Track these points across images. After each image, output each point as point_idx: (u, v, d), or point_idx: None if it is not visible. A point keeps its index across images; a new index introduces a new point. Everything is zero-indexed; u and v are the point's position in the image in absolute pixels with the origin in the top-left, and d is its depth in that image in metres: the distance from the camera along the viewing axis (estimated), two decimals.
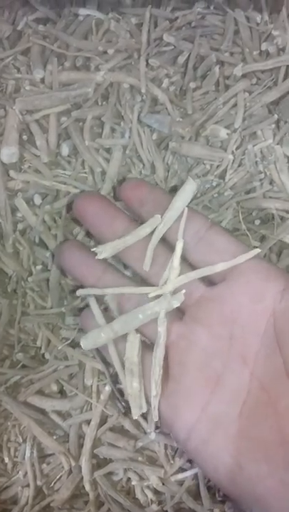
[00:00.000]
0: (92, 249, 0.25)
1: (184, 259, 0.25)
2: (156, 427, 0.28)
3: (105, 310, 0.26)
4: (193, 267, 0.25)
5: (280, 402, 0.22)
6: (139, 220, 0.26)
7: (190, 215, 0.25)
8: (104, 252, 0.25)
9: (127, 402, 0.28)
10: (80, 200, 0.26)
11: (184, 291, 0.24)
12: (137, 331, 0.25)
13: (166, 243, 0.26)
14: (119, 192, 0.26)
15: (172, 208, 0.25)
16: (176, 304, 0.24)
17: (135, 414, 0.25)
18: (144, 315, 0.24)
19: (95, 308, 0.25)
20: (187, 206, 0.25)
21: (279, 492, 0.20)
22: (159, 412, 0.24)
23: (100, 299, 0.26)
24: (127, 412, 0.28)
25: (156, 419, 0.24)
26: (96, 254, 0.25)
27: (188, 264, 0.25)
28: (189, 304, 0.25)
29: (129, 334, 0.25)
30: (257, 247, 0.24)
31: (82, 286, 0.27)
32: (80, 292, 0.26)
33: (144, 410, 0.24)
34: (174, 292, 0.25)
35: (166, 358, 0.24)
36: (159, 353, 0.24)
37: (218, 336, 0.24)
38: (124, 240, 0.25)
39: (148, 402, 0.24)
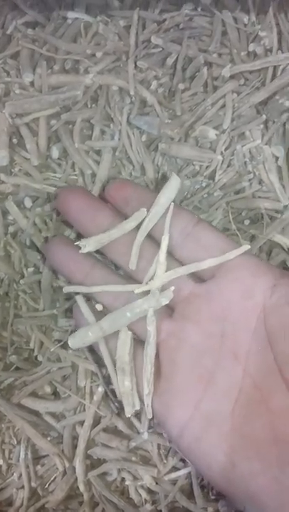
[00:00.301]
0: (75, 243, 0.25)
1: (171, 255, 0.25)
2: (150, 427, 0.28)
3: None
4: (181, 264, 0.25)
5: (273, 400, 0.22)
6: (124, 217, 0.26)
7: (176, 212, 0.25)
8: (88, 245, 0.25)
9: (120, 402, 0.29)
10: (63, 194, 0.26)
11: (172, 288, 0.24)
12: (128, 328, 0.25)
13: (153, 240, 0.26)
14: (105, 193, 0.26)
15: (157, 204, 0.25)
16: (164, 302, 0.24)
17: (128, 412, 0.25)
18: (133, 313, 0.24)
19: (83, 305, 0.25)
20: (173, 202, 0.25)
21: (272, 490, 0.21)
22: (152, 410, 0.24)
23: (88, 296, 0.26)
24: (120, 412, 0.29)
25: (150, 416, 0.24)
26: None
27: (175, 260, 0.25)
28: (178, 301, 0.25)
29: (121, 332, 0.25)
30: None
31: (70, 284, 0.27)
32: (66, 289, 0.26)
33: (137, 408, 0.25)
34: (162, 288, 0.25)
35: (157, 356, 0.24)
36: (150, 351, 0.24)
37: (208, 334, 0.24)
38: (108, 233, 0.25)
39: (141, 400, 0.25)
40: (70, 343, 0.25)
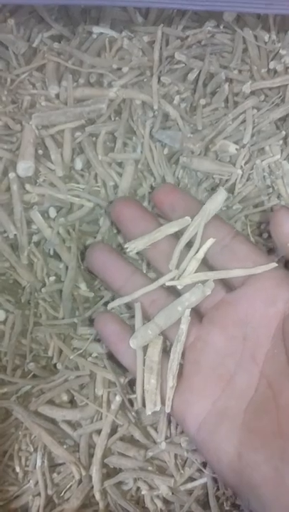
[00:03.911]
0: (125, 245, 0.28)
1: (206, 263, 0.28)
2: (166, 437, 0.30)
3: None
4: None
5: (282, 397, 0.24)
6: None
7: (217, 224, 0.28)
8: (136, 247, 0.27)
9: (137, 412, 0.30)
10: (119, 204, 0.29)
11: (212, 280, 0.27)
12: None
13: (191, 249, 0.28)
14: (152, 196, 0.29)
15: (202, 214, 0.27)
16: (208, 292, 0.27)
17: (149, 409, 0.27)
18: (183, 306, 0.27)
19: (139, 313, 0.28)
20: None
21: (273, 480, 0.23)
22: (171, 408, 0.26)
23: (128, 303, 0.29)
24: (137, 422, 0.30)
25: (168, 411, 0.26)
26: (125, 255, 0.28)
27: (207, 267, 0.28)
28: (209, 308, 0.27)
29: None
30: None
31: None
32: (111, 305, 0.29)
33: (158, 408, 0.26)
34: (190, 287, 0.27)
35: (182, 358, 0.27)
36: (178, 348, 0.26)
37: (232, 337, 0.26)
38: (152, 235, 0.28)
39: (162, 401, 0.27)
40: (132, 343, 0.27)
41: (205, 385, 0.26)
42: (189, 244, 0.28)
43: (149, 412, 0.27)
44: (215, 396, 0.25)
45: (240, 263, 0.27)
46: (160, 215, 0.30)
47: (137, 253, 0.29)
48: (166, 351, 0.28)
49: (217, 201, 0.28)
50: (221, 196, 0.28)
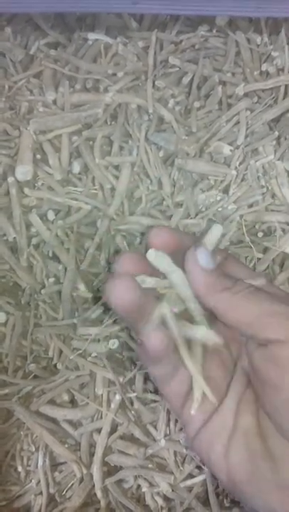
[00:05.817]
0: (136, 278, 0.24)
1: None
2: (166, 435, 0.30)
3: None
4: None
5: (261, 399, 0.24)
6: None
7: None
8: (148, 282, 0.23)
9: (136, 410, 0.31)
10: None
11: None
12: None
13: None
14: (149, 241, 0.25)
15: None
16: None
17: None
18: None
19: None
20: None
21: (254, 477, 0.23)
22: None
23: None
24: (136, 420, 0.31)
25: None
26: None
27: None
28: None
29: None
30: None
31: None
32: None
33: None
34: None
35: None
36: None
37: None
38: (165, 281, 0.24)
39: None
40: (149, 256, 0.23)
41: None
42: None
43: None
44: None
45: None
46: None
47: None
48: None
49: (213, 237, 0.24)
50: (215, 231, 0.24)
